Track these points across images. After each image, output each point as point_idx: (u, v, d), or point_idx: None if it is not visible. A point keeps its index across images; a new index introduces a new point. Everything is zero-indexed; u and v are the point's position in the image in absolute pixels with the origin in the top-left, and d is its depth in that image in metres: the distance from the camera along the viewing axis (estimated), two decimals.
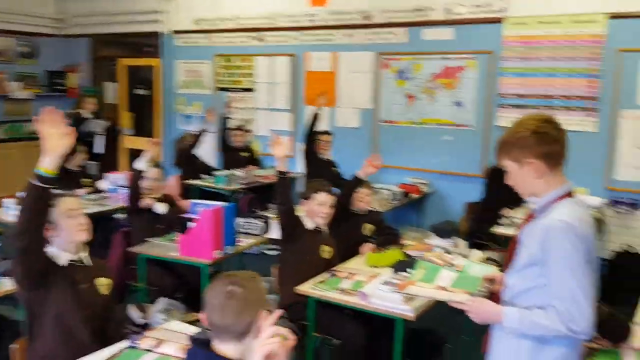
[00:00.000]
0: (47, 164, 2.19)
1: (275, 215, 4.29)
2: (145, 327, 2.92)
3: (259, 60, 7.50)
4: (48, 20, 8.79)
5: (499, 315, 1.95)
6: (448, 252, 3.57)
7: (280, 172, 3.36)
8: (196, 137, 6.56)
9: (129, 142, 8.80)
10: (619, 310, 2.60)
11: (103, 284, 2.62)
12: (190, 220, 3.69)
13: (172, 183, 6.39)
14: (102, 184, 5.79)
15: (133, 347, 2.46)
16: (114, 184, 5.62)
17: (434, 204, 6.44)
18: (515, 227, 4.57)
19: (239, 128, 7.06)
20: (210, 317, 1.75)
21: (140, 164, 4.19)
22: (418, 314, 2.84)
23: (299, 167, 7.03)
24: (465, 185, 6.04)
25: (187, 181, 6.34)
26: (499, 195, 5.31)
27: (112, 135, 8.27)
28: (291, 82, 7.27)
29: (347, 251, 3.82)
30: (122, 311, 3.10)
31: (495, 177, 5.31)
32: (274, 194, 3.60)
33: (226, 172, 6.30)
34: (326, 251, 3.52)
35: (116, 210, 5.29)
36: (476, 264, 2.33)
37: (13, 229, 2.34)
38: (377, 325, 3.28)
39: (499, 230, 4.67)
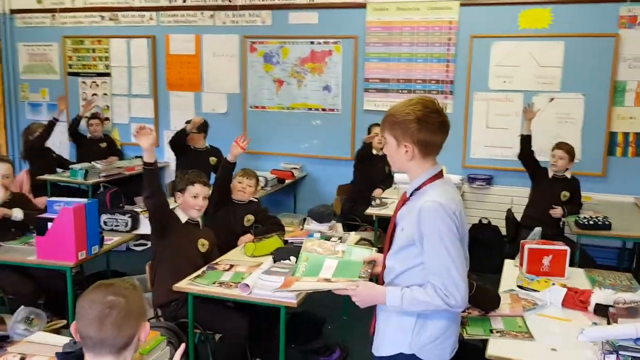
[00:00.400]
0: None
1: (144, 209, 4.06)
2: (4, 340, 2.59)
3: (113, 42, 7.03)
4: None
5: (382, 296, 1.98)
6: (328, 239, 3.61)
7: (147, 163, 3.13)
8: (46, 128, 6.01)
9: None
10: (483, 279, 2.78)
11: None
12: (49, 220, 3.34)
13: (21, 179, 5.83)
14: None
15: None
16: None
17: (308, 188, 6.50)
18: (387, 208, 4.75)
19: (94, 116, 6.59)
20: (85, 329, 1.57)
21: None
22: (300, 300, 2.82)
23: (166, 157, 6.75)
24: (337, 168, 6.16)
25: (40, 177, 5.78)
26: (368, 177, 5.50)
27: None
28: (151, 66, 6.90)
29: (228, 243, 3.73)
30: None
31: (362, 160, 5.47)
32: (142, 187, 3.37)
33: (84, 164, 5.85)
34: (203, 245, 3.38)
35: None
36: (356, 248, 2.35)
37: None
38: (258, 313, 3.23)
39: (371, 211, 4.80)
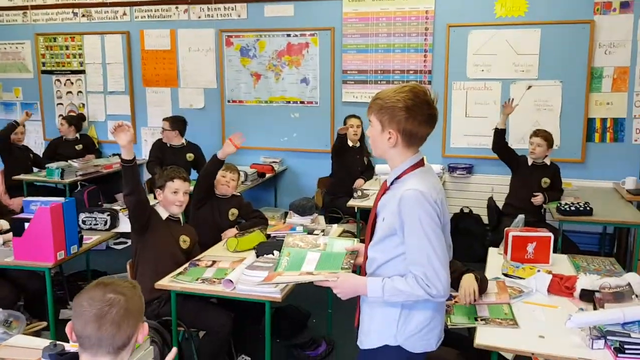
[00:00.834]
0: None
1: (123, 207, 3.99)
2: None
3: (87, 39, 6.89)
4: None
5: (363, 287, 1.95)
6: (310, 232, 3.58)
7: (126, 161, 3.06)
8: (3, 130, 5.85)
9: None
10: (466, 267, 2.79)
11: None
12: (26, 220, 3.26)
13: None
14: None
15: None
16: None
17: (289, 182, 6.46)
18: (368, 199, 4.74)
19: (65, 118, 6.47)
20: (82, 328, 1.52)
21: None
22: (284, 295, 2.79)
23: (144, 154, 6.66)
24: (317, 161, 6.13)
25: (15, 177, 5.66)
26: (345, 168, 5.47)
27: None
28: (126, 63, 6.79)
29: (214, 238, 3.69)
30: None
31: (338, 152, 5.43)
32: (121, 184, 3.30)
33: (60, 163, 5.73)
34: (185, 241, 3.33)
35: None
36: (337, 240, 2.33)
37: None
38: (242, 308, 3.21)
39: (352, 203, 4.78)
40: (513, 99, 4.91)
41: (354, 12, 5.95)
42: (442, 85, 5.79)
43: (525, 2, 5.48)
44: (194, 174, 5.09)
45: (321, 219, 4.05)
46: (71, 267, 4.72)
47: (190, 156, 5.69)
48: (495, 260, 3.22)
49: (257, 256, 3.20)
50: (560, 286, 2.69)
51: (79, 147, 6.44)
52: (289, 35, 6.19)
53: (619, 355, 2.06)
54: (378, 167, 5.52)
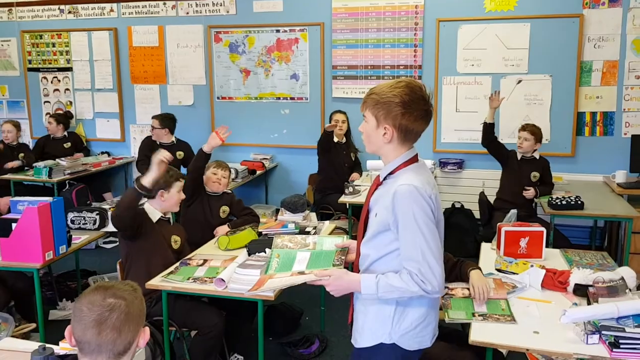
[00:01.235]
0: None
1: (112, 206, 3.95)
2: None
3: (74, 36, 6.81)
4: None
5: (357, 284, 1.93)
6: (302, 229, 3.56)
7: (145, 188, 2.96)
8: None
9: None
10: None
11: None
12: (13, 220, 3.21)
13: None
14: None
15: None
16: None
17: (279, 178, 6.43)
18: (360, 195, 4.72)
19: (53, 116, 6.40)
20: (82, 334, 1.49)
21: None
22: (277, 293, 2.77)
23: (132, 152, 6.61)
24: (308, 157, 6.09)
25: (2, 176, 5.59)
26: (332, 165, 5.43)
27: None
28: (114, 59, 6.71)
29: (205, 236, 3.66)
30: None
31: (324, 149, 5.37)
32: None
33: (47, 162, 5.67)
34: (176, 241, 3.30)
35: None
36: (327, 238, 2.31)
37: None
38: (234, 307, 3.19)
39: (344, 199, 4.76)
40: (499, 92, 4.90)
41: (343, 7, 5.91)
42: (433, 80, 5.77)
43: None
44: (184, 172, 5.05)
45: (313, 215, 4.03)
46: (60, 267, 4.67)
47: (180, 154, 5.65)
48: (488, 255, 3.20)
49: (249, 254, 3.17)
50: (554, 281, 2.68)
51: (67, 145, 6.38)
52: (278, 31, 6.15)
53: (613, 350, 2.05)
54: (369, 163, 5.50)
